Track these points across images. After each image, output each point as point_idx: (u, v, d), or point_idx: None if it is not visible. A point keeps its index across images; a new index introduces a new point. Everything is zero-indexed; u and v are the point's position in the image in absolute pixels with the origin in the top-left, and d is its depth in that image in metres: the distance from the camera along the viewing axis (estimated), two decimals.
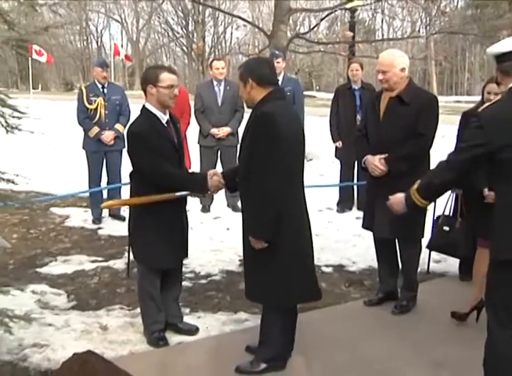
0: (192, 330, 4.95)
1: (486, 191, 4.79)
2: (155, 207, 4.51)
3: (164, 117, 4.60)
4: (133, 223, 4.74)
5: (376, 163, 5.12)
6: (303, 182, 4.26)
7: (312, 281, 4.33)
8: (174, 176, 4.54)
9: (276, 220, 4.00)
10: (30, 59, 29.12)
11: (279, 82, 8.74)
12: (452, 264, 6.22)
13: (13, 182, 3.32)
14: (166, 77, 4.50)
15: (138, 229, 4.70)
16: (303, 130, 4.28)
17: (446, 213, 5.80)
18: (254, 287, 4.29)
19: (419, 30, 39.29)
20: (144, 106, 4.62)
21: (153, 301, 4.74)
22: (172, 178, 4.53)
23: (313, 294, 4.38)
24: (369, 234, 5.58)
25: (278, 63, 8.72)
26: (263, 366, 4.30)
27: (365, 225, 5.49)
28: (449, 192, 5.65)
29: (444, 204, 5.74)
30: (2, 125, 3.16)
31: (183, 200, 4.72)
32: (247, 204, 4.21)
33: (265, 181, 3.95)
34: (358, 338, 4.88)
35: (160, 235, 4.59)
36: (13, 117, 3.12)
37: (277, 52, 9.17)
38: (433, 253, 6.19)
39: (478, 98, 5.89)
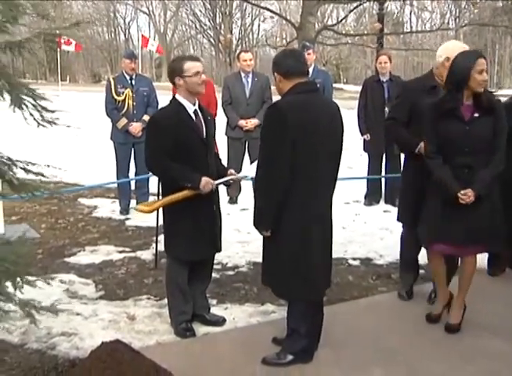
0: (219, 322, 4.96)
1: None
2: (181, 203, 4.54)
3: (192, 107, 4.62)
4: (165, 214, 4.77)
5: None
6: (321, 176, 4.13)
7: (311, 278, 4.18)
8: (170, 171, 4.53)
9: (278, 212, 4.02)
10: (58, 51, 29.36)
11: (310, 74, 8.73)
12: (479, 258, 6.14)
13: (42, 175, 3.33)
14: (191, 66, 4.54)
15: (168, 221, 4.74)
16: (331, 123, 4.18)
17: None
18: (265, 272, 4.34)
19: (448, 23, 38.93)
20: (174, 96, 4.69)
21: (181, 292, 4.76)
22: (168, 173, 4.55)
23: (309, 293, 4.24)
24: (397, 228, 5.55)
25: (309, 54, 8.71)
26: (290, 358, 4.29)
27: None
28: None
29: None
30: (35, 119, 3.16)
31: (214, 194, 4.72)
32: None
33: (269, 173, 3.98)
34: (385, 331, 4.85)
35: (189, 227, 4.61)
36: (46, 110, 3.13)
37: (308, 43, 9.13)
38: None
39: (509, 91, 5.82)
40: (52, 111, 3.15)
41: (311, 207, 4.09)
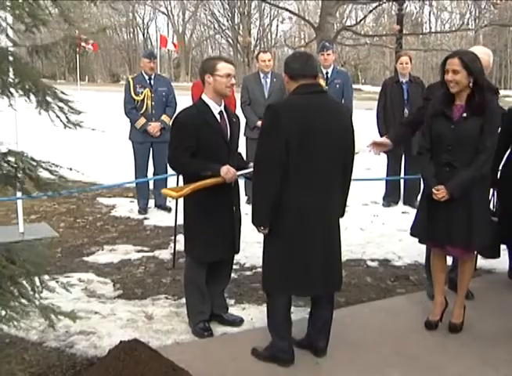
0: (237, 322, 4.97)
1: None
2: (204, 200, 4.57)
3: (217, 108, 4.65)
4: (184, 215, 4.80)
5: None
6: (319, 176, 4.07)
7: (305, 277, 4.15)
8: (190, 165, 4.58)
9: (273, 209, 4.06)
10: (77, 51, 29.56)
11: (329, 74, 8.74)
12: (500, 260, 6.10)
13: (65, 178, 3.35)
14: (223, 66, 4.58)
15: (187, 221, 4.77)
16: (334, 124, 4.12)
17: None
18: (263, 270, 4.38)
19: (468, 23, 38.70)
20: (200, 96, 4.75)
21: (199, 292, 4.77)
22: (189, 167, 4.60)
23: (305, 290, 4.25)
24: None
25: (328, 55, 8.69)
26: (267, 353, 4.36)
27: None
28: None
29: None
30: (61, 121, 3.18)
31: (233, 194, 4.73)
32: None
33: (262, 171, 4.05)
34: (403, 333, 4.83)
35: (208, 228, 4.63)
36: (73, 112, 3.15)
37: (327, 44, 9.07)
38: None
39: None
40: (78, 113, 3.16)
41: (308, 206, 4.07)
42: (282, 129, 3.94)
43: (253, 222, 4.22)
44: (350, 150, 4.26)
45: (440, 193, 4.59)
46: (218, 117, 4.64)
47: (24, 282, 3.13)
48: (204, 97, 4.67)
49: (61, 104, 3.08)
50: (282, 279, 4.18)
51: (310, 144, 4.01)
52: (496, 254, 5.58)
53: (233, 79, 4.63)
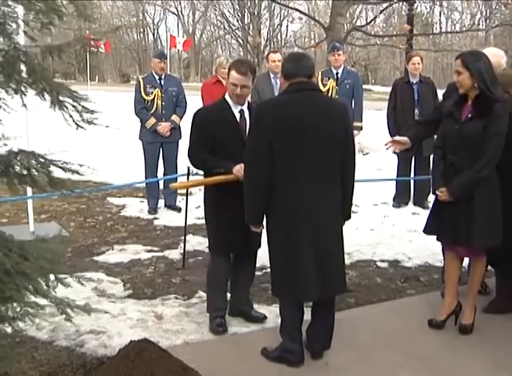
0: (260, 318, 5.04)
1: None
2: (218, 197, 4.71)
3: (238, 107, 4.76)
4: (205, 210, 4.97)
5: None
6: (307, 176, 4.05)
7: (300, 281, 4.12)
8: (208, 161, 4.70)
9: (264, 208, 4.15)
10: (88, 51, 29.63)
11: (339, 75, 8.75)
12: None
13: (78, 173, 3.35)
14: (232, 75, 4.70)
15: (205, 218, 4.96)
16: (322, 121, 4.07)
17: None
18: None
19: (478, 23, 38.57)
20: (223, 95, 4.89)
21: (217, 288, 4.89)
22: (205, 163, 4.73)
23: (299, 295, 4.22)
24: None
25: (339, 55, 8.70)
26: (275, 354, 4.36)
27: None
28: None
29: None
30: (74, 121, 3.19)
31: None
32: None
33: (246, 168, 4.17)
34: (413, 335, 4.81)
35: (222, 222, 4.74)
36: (86, 111, 3.15)
37: (338, 44, 9.07)
38: None
39: None
40: (92, 112, 3.17)
41: (296, 206, 4.07)
42: (264, 128, 4.01)
43: (247, 222, 4.29)
44: (347, 147, 4.21)
45: (443, 195, 4.66)
46: (237, 115, 4.74)
47: (39, 278, 3.13)
48: (227, 95, 4.80)
49: (74, 103, 3.09)
50: (282, 283, 4.21)
51: (300, 142, 4.02)
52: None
53: (239, 90, 4.65)
